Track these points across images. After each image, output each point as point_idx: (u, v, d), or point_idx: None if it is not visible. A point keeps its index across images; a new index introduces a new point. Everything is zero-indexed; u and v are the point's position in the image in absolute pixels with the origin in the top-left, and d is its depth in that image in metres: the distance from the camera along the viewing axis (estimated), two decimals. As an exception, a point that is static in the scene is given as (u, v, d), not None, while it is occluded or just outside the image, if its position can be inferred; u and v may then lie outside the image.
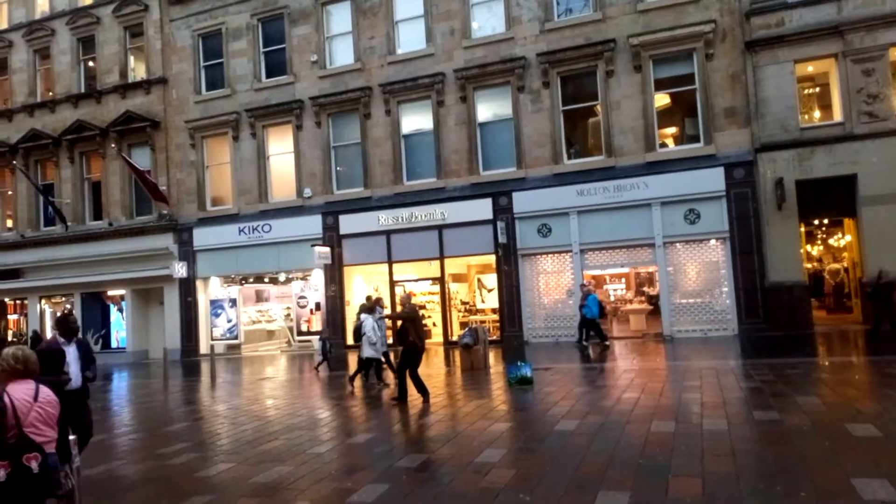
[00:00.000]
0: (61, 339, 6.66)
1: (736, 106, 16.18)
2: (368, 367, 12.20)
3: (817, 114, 16.92)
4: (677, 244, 16.69)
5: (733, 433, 6.60)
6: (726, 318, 16.19)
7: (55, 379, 4.60)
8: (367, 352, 11.78)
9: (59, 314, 20.55)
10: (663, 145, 17.12)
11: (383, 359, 12.55)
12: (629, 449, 6.28)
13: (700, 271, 16.55)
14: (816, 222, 19.09)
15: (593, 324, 15.51)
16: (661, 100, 17.22)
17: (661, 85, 16.96)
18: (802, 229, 16.41)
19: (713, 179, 16.13)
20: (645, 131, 16.80)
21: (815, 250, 21.93)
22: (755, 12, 15.98)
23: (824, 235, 21.41)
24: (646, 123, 16.79)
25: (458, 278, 20.36)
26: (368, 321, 11.80)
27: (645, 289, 19.67)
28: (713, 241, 16.45)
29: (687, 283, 16.67)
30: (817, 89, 17.02)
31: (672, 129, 17.57)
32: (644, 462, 5.80)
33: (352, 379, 12.25)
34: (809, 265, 19.73)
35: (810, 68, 16.30)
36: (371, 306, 12.43)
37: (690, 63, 16.59)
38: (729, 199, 16.07)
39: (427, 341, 18.30)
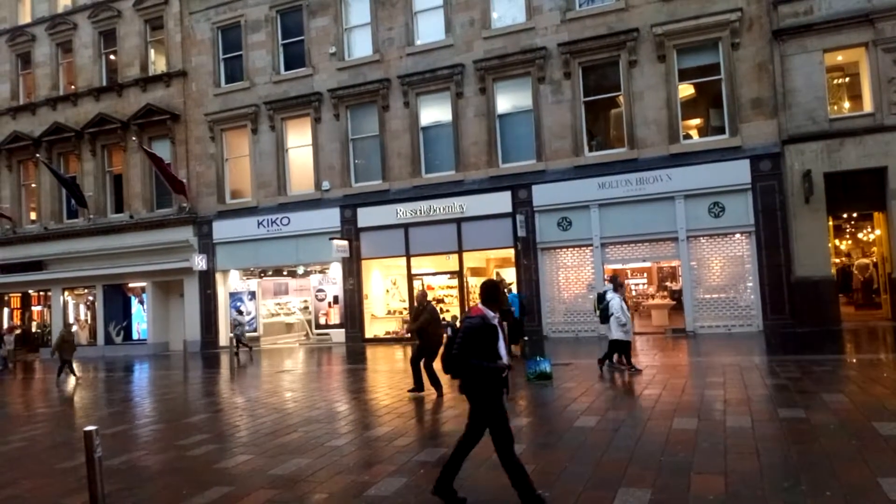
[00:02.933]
0: None
1: (763, 96, 15.82)
2: (620, 350, 11.04)
3: (847, 104, 16.49)
4: (701, 238, 16.40)
5: (757, 431, 6.44)
6: (751, 313, 15.89)
7: None
8: (617, 333, 10.87)
9: None
10: (687, 137, 16.81)
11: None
12: (650, 445, 6.15)
13: (724, 266, 16.25)
14: (845, 216, 18.63)
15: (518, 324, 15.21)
16: (686, 90, 16.89)
17: (685, 75, 16.63)
18: (830, 223, 16.02)
19: (738, 172, 15.80)
20: (668, 122, 16.51)
21: (844, 245, 21.45)
22: (783, 0, 15.58)
23: (853, 229, 20.93)
24: (669, 114, 16.50)
25: (476, 272, 20.24)
26: (616, 301, 10.95)
27: (667, 283, 19.42)
28: (738, 235, 16.13)
29: (711, 278, 16.39)
30: (847, 79, 16.58)
31: (696, 121, 17.24)
32: (666, 459, 5.68)
33: (601, 362, 11.16)
34: (837, 260, 19.32)
35: (840, 58, 15.88)
36: (620, 283, 11.49)
37: (716, 52, 16.24)
38: (755, 192, 15.73)
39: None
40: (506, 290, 15.98)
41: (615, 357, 11.20)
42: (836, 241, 20.20)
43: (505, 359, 4.86)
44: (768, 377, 9.58)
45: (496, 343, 4.83)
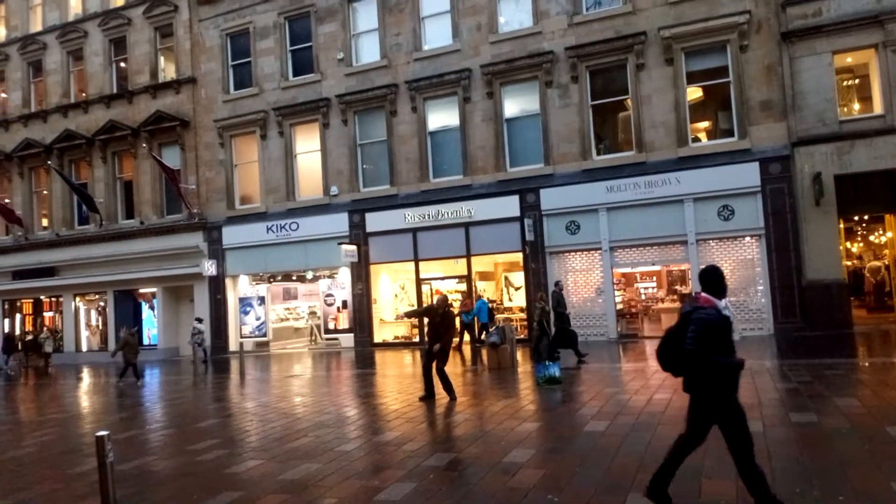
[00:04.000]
0: None
1: (772, 99, 15.75)
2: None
3: (857, 106, 16.39)
4: (710, 241, 16.32)
5: (769, 435, 6.39)
6: (762, 317, 15.79)
7: None
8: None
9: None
10: (696, 140, 16.76)
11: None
12: (661, 450, 6.07)
13: (734, 269, 16.15)
14: (856, 218, 18.52)
15: (485, 326, 16.87)
16: (694, 93, 16.84)
17: (693, 78, 16.59)
18: (841, 226, 15.90)
19: (748, 175, 15.73)
20: (677, 125, 16.46)
21: (855, 247, 21.29)
22: (791, 2, 15.52)
23: (864, 232, 20.77)
24: (678, 117, 16.45)
25: (485, 276, 20.23)
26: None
27: (677, 287, 19.30)
28: (748, 238, 16.04)
29: (720, 281, 16.25)
30: (857, 81, 16.48)
31: (705, 123, 17.18)
32: (678, 464, 5.63)
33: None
34: (849, 263, 19.17)
35: (849, 59, 15.79)
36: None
37: (724, 55, 16.19)
38: (764, 194, 15.65)
39: (454, 339, 18.40)
40: (476, 298, 17.13)
41: None
42: (848, 244, 20.05)
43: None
44: (779, 381, 9.51)
45: (731, 336, 4.47)
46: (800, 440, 6.20)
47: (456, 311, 17.53)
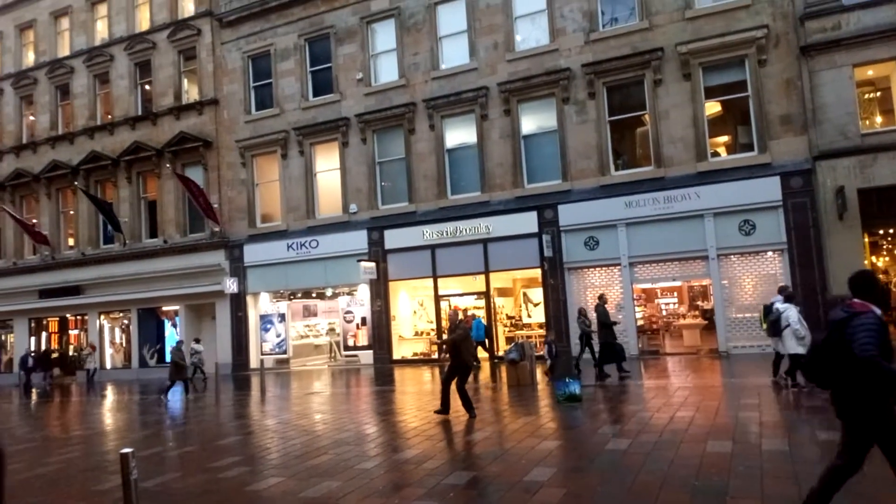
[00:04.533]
0: None
1: (791, 112, 15.65)
2: (795, 365, 10.23)
3: (879, 119, 16.19)
4: (732, 256, 16.17)
5: (795, 454, 6.29)
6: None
7: None
8: (794, 347, 10.13)
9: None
10: (715, 154, 16.67)
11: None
12: (684, 469, 6.04)
13: (757, 284, 15.96)
14: (881, 232, 18.17)
15: (482, 345, 17.35)
16: (712, 108, 16.79)
17: (711, 93, 16.55)
18: (866, 240, 15.65)
19: (769, 189, 15.59)
20: (695, 140, 16.40)
21: (881, 262, 20.88)
22: (810, 16, 15.47)
23: (890, 246, 20.36)
24: (696, 132, 16.40)
25: (503, 292, 20.21)
26: (792, 312, 10.37)
27: (699, 303, 19.12)
28: (770, 253, 15.87)
29: (743, 297, 16.10)
30: (878, 94, 16.30)
31: (724, 138, 17.09)
32: (700, 483, 5.57)
33: (784, 380, 10.54)
34: (874, 277, 18.75)
35: (870, 72, 15.65)
36: (790, 294, 11.01)
37: (742, 70, 16.15)
38: (786, 209, 15.49)
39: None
40: (469, 317, 17.29)
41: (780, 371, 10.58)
42: (873, 259, 19.69)
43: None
44: (805, 399, 9.35)
45: (890, 342, 4.12)
46: (827, 459, 6.04)
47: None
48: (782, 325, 10.36)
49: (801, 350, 9.95)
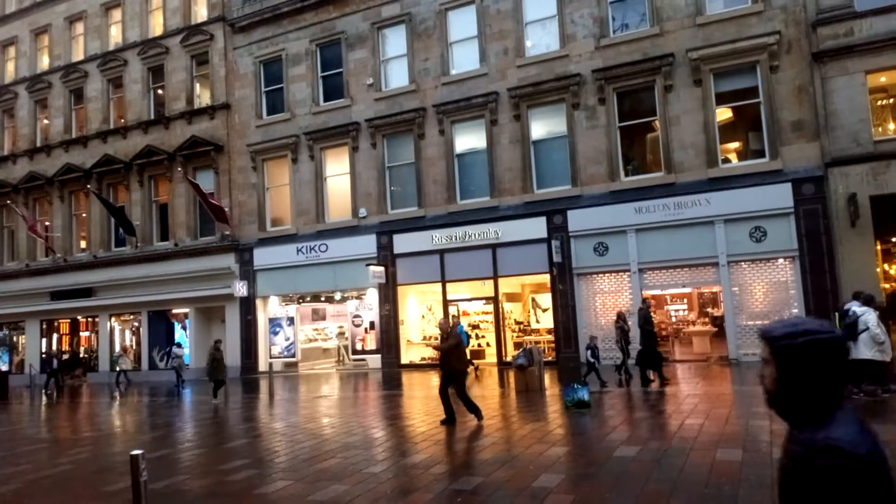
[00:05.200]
0: None
1: (803, 119, 15.56)
2: (875, 372, 9.87)
3: (892, 126, 16.06)
4: (742, 263, 16.07)
5: (807, 463, 6.21)
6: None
7: None
8: (870, 353, 9.65)
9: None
10: (726, 161, 16.59)
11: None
12: (693, 477, 6.00)
13: (767, 291, 15.85)
14: (894, 239, 18.01)
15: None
16: (723, 114, 16.72)
17: (722, 99, 16.48)
18: (879, 247, 15.51)
19: (780, 196, 15.50)
20: (706, 146, 16.33)
21: (894, 269, 20.69)
22: (822, 22, 15.39)
23: (902, 253, 20.18)
24: (707, 138, 16.33)
25: (512, 298, 20.17)
26: (871, 316, 9.91)
27: (709, 310, 19.01)
28: (781, 260, 15.76)
29: (754, 304, 15.99)
30: (891, 100, 16.17)
31: (735, 144, 17.01)
32: (709, 491, 5.54)
33: (872, 385, 10.05)
34: (887, 285, 18.61)
35: (883, 79, 15.52)
36: (869, 297, 10.55)
37: (754, 76, 16.08)
38: (797, 216, 15.38)
39: (480, 362, 18.34)
40: (455, 323, 16.84)
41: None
42: (886, 266, 19.52)
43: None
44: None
45: None
46: None
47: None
48: (860, 328, 9.86)
49: (878, 356, 9.59)
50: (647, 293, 17.31)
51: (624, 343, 13.61)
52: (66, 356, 25.39)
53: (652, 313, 13.76)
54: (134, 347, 25.09)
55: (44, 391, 21.63)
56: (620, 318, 14.00)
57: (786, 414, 1.73)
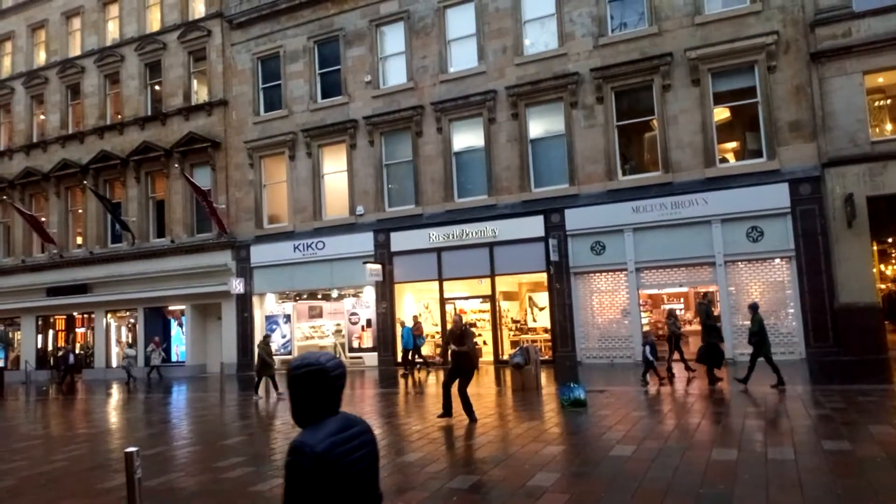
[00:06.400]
0: None
1: (801, 119, 15.58)
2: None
3: (889, 127, 16.10)
4: (739, 263, 16.09)
5: (800, 463, 6.24)
6: (792, 340, 15.45)
7: None
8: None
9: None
10: (723, 160, 16.61)
11: None
12: (688, 476, 6.01)
13: (764, 291, 15.87)
14: (890, 240, 18.10)
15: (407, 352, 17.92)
16: (721, 114, 16.74)
17: (720, 98, 16.50)
18: (875, 248, 15.56)
19: (777, 196, 15.52)
20: (704, 146, 16.35)
21: (890, 270, 20.78)
22: (820, 23, 15.40)
23: (899, 254, 20.27)
24: (705, 138, 16.35)
25: (509, 296, 20.18)
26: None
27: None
28: (778, 260, 15.78)
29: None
30: (888, 101, 16.21)
31: (733, 144, 17.04)
32: (705, 491, 5.54)
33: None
34: (883, 286, 18.73)
35: (880, 80, 15.55)
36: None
37: (752, 76, 16.09)
38: (794, 216, 15.41)
39: (483, 361, 18.35)
40: (401, 325, 17.96)
41: None
42: (882, 267, 19.59)
43: None
44: (812, 407, 9.29)
45: None
46: (833, 468, 6.04)
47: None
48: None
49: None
50: (644, 292, 17.37)
51: (675, 340, 13.39)
52: (60, 353, 25.31)
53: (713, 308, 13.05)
54: (134, 343, 25.01)
55: (58, 386, 21.33)
56: (671, 315, 13.85)
57: (296, 421, 2.28)
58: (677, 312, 14.17)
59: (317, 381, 2.24)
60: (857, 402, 9.32)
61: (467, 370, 9.92)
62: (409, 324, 18.69)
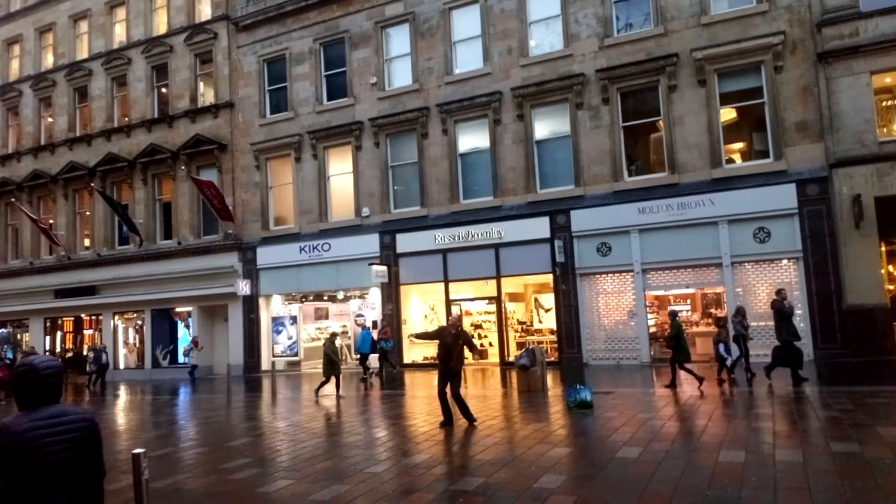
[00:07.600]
0: None
1: (808, 119, 15.51)
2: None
3: (897, 127, 16.02)
4: (746, 264, 16.03)
5: (809, 465, 6.21)
6: (801, 342, 15.34)
7: None
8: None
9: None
10: (730, 161, 16.55)
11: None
12: (696, 478, 5.98)
13: (771, 293, 15.66)
14: (898, 241, 17.96)
15: (365, 358, 17.97)
16: (728, 114, 16.68)
17: (726, 99, 16.45)
18: (883, 248, 15.46)
19: (784, 196, 15.45)
20: (710, 147, 16.29)
21: (897, 271, 20.61)
22: (827, 23, 15.33)
23: (907, 255, 20.10)
24: (711, 139, 16.29)
25: (514, 298, 20.16)
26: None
27: (712, 310, 18.92)
28: (785, 261, 15.71)
29: (757, 305, 15.92)
30: (896, 101, 16.13)
31: (739, 145, 16.97)
32: (712, 493, 5.52)
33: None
34: (892, 287, 18.56)
35: (888, 80, 15.45)
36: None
37: (758, 76, 16.03)
38: (801, 216, 15.34)
39: (483, 362, 18.35)
40: (363, 327, 17.91)
41: None
42: (890, 268, 19.44)
43: None
44: (820, 409, 9.24)
45: None
46: (841, 471, 6.00)
47: (376, 337, 18.37)
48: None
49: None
50: (650, 294, 17.31)
51: (743, 341, 13.13)
52: (69, 354, 25.46)
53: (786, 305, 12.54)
54: (138, 345, 25.13)
55: (88, 388, 20.77)
56: (740, 312, 13.39)
57: (18, 406, 2.83)
58: (744, 310, 13.50)
59: (29, 378, 2.83)
60: (865, 404, 9.26)
61: (451, 372, 9.64)
62: (373, 326, 18.70)
